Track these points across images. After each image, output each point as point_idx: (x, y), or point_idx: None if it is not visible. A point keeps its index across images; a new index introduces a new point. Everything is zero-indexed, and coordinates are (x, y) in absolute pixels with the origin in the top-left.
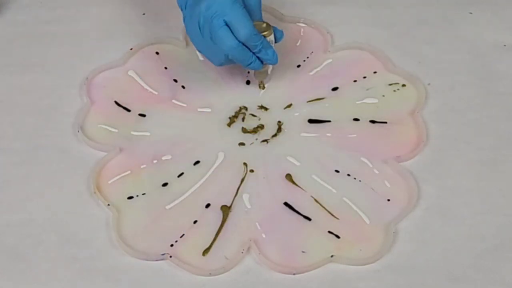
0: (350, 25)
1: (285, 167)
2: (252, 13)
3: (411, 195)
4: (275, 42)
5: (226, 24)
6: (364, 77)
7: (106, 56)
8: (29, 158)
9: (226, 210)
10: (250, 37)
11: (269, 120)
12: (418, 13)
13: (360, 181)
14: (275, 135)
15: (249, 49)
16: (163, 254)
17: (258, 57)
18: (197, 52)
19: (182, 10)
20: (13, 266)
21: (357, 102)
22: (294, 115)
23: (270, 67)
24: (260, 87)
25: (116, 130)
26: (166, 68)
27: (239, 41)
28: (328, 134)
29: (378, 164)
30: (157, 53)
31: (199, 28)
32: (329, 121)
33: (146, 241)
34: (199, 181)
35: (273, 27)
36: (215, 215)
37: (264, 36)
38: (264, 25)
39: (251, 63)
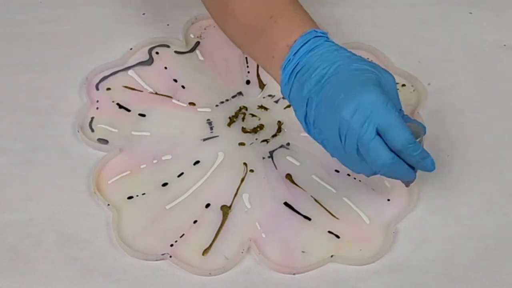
0: (350, 25)
1: (285, 167)
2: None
3: (411, 195)
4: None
5: (378, 133)
6: None
7: (106, 56)
8: (29, 158)
9: (226, 210)
10: (407, 147)
11: (269, 120)
12: (418, 13)
13: (360, 181)
14: (275, 135)
15: (403, 160)
16: (163, 254)
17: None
18: (197, 55)
19: (293, 104)
20: (13, 266)
21: None
22: (294, 115)
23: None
24: (406, 186)
25: (116, 130)
26: (166, 68)
27: (394, 153)
28: None
29: None
30: (157, 53)
31: (340, 139)
32: None
33: (146, 241)
34: (199, 181)
35: (415, 122)
36: (215, 215)
37: (420, 142)
38: (416, 127)
39: (405, 176)
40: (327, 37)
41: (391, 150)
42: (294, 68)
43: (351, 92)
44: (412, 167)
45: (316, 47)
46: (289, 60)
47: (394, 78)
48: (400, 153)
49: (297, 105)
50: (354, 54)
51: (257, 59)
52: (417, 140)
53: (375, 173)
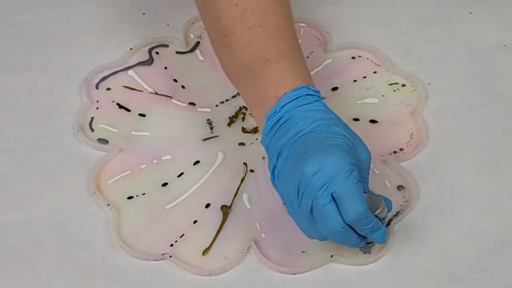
0: (350, 25)
1: None
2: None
3: (411, 195)
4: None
5: (333, 199)
6: (364, 77)
7: (106, 56)
8: (29, 158)
9: (226, 210)
10: (360, 221)
11: None
12: (418, 13)
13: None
14: None
15: (354, 230)
16: (163, 254)
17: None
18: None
19: (269, 155)
20: (13, 266)
21: (357, 102)
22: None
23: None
24: (364, 252)
25: (116, 130)
26: (166, 68)
27: (346, 223)
28: None
29: (378, 164)
30: (157, 53)
31: (297, 194)
32: None
33: (146, 241)
34: (199, 181)
35: (382, 198)
36: (215, 215)
37: (376, 216)
38: (375, 200)
39: (355, 244)
40: (318, 96)
41: (345, 222)
42: (278, 121)
43: (319, 152)
44: (364, 236)
45: (305, 105)
46: (275, 112)
47: (370, 155)
48: (352, 224)
49: (271, 155)
50: (340, 119)
51: (246, 100)
52: (375, 213)
53: (323, 237)
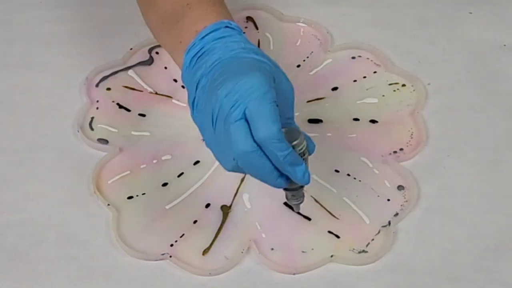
0: (350, 25)
1: None
2: (283, 109)
3: (411, 195)
4: (309, 154)
5: (246, 119)
6: (364, 77)
7: (106, 56)
8: (29, 158)
9: (226, 210)
10: (271, 141)
11: None
12: (418, 13)
13: (360, 181)
14: None
15: (269, 159)
16: (163, 254)
17: (282, 173)
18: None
19: (188, 89)
20: (13, 266)
21: (357, 102)
22: (294, 115)
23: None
24: (295, 210)
25: (116, 130)
26: (166, 68)
27: (256, 144)
28: (328, 134)
29: (378, 164)
30: (157, 53)
31: (212, 120)
32: (329, 121)
33: (146, 241)
34: (199, 181)
35: (304, 135)
36: (215, 215)
37: (293, 147)
38: (295, 132)
39: (270, 179)
40: (240, 31)
41: (255, 143)
42: (197, 53)
43: (235, 74)
44: (285, 176)
45: (225, 37)
46: (194, 44)
47: (292, 87)
48: (263, 146)
49: (190, 88)
50: (261, 51)
51: (167, 47)
52: (292, 143)
53: (236, 166)
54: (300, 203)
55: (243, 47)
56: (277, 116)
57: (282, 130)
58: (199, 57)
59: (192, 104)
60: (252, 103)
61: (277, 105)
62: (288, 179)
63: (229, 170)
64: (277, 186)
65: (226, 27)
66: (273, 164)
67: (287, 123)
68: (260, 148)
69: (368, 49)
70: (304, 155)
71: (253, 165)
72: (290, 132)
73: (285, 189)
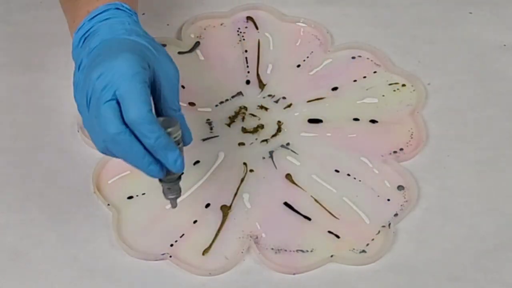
0: (350, 25)
1: (285, 167)
2: (164, 101)
3: (411, 195)
4: (184, 145)
5: (117, 101)
6: (364, 77)
7: None
8: (29, 158)
9: (226, 210)
10: (142, 123)
11: (269, 120)
12: (418, 13)
13: (360, 181)
14: (275, 135)
15: (142, 143)
16: (163, 254)
17: (156, 160)
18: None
19: (75, 65)
20: (13, 266)
21: (357, 102)
22: (294, 115)
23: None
24: (172, 206)
25: None
26: None
27: (127, 126)
28: (328, 134)
29: (378, 164)
30: None
31: (86, 101)
32: (329, 121)
33: (146, 241)
34: (199, 181)
35: (183, 126)
36: (215, 215)
37: (169, 134)
38: (172, 120)
39: (143, 164)
40: (131, 14)
41: (125, 124)
42: (84, 33)
43: (108, 56)
44: (160, 164)
45: (112, 18)
46: (83, 24)
47: (177, 71)
48: (134, 128)
49: (75, 68)
50: (147, 35)
51: (67, 23)
52: (167, 130)
53: (107, 148)
54: (177, 197)
55: (127, 29)
56: (147, 96)
57: (159, 118)
58: (86, 38)
59: (73, 84)
60: (123, 84)
61: (155, 89)
62: (163, 169)
63: (101, 152)
64: (150, 173)
65: (117, 8)
66: (146, 149)
67: (172, 113)
68: (132, 132)
69: (368, 49)
70: (178, 144)
71: (123, 148)
72: (166, 120)
73: (161, 181)
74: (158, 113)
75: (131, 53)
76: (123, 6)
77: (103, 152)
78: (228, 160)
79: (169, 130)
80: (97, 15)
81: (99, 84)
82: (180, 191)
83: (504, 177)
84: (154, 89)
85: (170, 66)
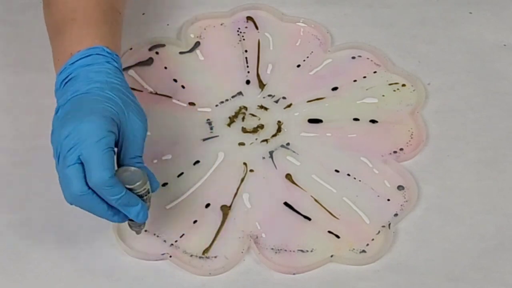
0: (350, 25)
1: (285, 167)
2: (130, 147)
3: (411, 195)
4: (152, 192)
5: (81, 163)
6: (364, 77)
7: None
8: (29, 158)
9: (226, 210)
10: (103, 187)
11: (269, 120)
12: (418, 13)
13: (360, 181)
14: (275, 135)
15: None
16: (163, 254)
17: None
18: (197, 55)
19: (56, 106)
20: (13, 266)
21: (357, 102)
22: (294, 115)
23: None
24: (137, 233)
25: None
26: (166, 68)
27: (89, 187)
28: (328, 134)
29: (378, 164)
30: (157, 53)
31: (56, 154)
32: (329, 121)
33: (146, 241)
34: (199, 181)
35: (148, 174)
36: (215, 215)
37: (132, 190)
38: (137, 174)
39: (107, 216)
40: (112, 59)
41: (88, 187)
42: (65, 78)
43: (77, 116)
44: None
45: (93, 64)
46: (65, 68)
47: (145, 124)
48: (96, 190)
49: (55, 111)
50: (121, 85)
51: (53, 57)
52: (130, 186)
53: (72, 203)
54: (141, 229)
55: (102, 81)
56: (110, 162)
57: (125, 173)
58: (66, 83)
59: (53, 121)
60: (87, 149)
61: (116, 149)
62: (126, 216)
63: (69, 203)
64: (115, 221)
65: (98, 54)
66: (109, 205)
67: (134, 162)
68: (94, 191)
69: (368, 49)
70: (146, 195)
71: (86, 206)
72: (132, 174)
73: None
74: (119, 162)
75: (98, 117)
76: (103, 51)
77: (71, 204)
78: (228, 160)
79: (135, 185)
80: (78, 59)
81: (66, 144)
82: (144, 224)
83: (504, 177)
84: (118, 139)
85: (137, 120)
